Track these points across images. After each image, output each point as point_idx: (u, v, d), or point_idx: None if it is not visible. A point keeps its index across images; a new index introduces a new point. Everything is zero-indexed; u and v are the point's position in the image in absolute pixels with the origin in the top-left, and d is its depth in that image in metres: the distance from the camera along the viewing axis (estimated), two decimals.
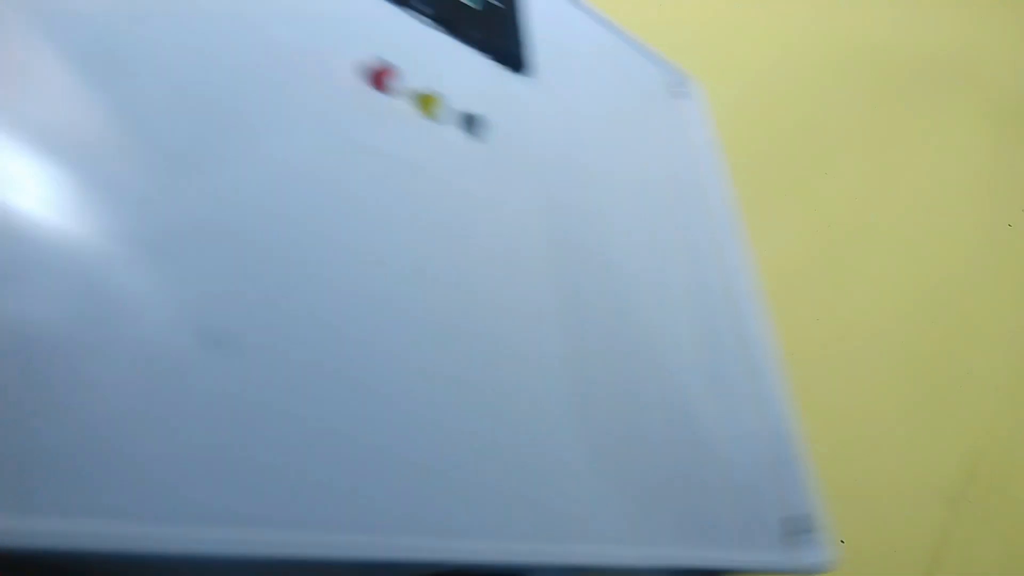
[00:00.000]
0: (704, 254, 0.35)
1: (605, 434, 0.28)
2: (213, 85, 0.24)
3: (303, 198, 0.24)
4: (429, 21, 0.32)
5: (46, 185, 0.20)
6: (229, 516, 0.19)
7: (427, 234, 0.27)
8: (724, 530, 0.29)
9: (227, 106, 0.25)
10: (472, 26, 0.35)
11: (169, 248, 0.21)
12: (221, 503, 0.19)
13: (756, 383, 0.33)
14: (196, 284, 0.21)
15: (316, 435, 0.21)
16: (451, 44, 0.33)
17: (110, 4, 0.23)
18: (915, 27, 0.62)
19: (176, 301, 0.20)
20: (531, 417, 0.26)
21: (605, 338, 0.30)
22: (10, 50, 0.21)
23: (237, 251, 0.22)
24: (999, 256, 0.51)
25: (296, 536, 0.20)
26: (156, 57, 0.24)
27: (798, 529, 0.29)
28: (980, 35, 0.61)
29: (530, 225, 0.30)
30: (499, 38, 0.37)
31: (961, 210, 0.53)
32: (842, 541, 0.29)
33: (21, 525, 0.17)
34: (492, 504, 0.23)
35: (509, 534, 0.24)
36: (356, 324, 0.23)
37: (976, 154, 0.55)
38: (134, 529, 0.18)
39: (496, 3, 0.37)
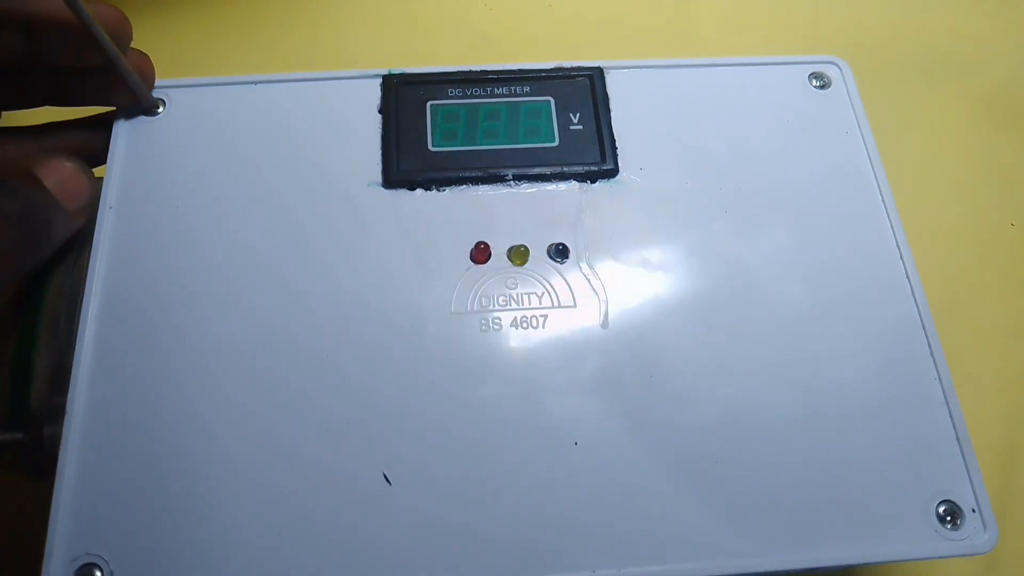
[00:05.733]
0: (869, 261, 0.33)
1: (751, 449, 0.29)
2: None
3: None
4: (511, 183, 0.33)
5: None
6: None
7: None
8: (874, 522, 0.28)
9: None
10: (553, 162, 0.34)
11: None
12: None
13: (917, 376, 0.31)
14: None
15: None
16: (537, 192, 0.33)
17: None
18: (908, 18, 0.60)
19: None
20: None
21: (765, 351, 0.31)
22: None
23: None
24: (1001, 256, 0.51)
25: None
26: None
27: (954, 511, 0.28)
28: (976, 27, 0.60)
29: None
30: (582, 160, 0.34)
31: (961, 208, 0.53)
32: None
33: None
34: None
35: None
36: None
37: (977, 151, 0.55)
38: None
39: (576, 127, 0.34)
